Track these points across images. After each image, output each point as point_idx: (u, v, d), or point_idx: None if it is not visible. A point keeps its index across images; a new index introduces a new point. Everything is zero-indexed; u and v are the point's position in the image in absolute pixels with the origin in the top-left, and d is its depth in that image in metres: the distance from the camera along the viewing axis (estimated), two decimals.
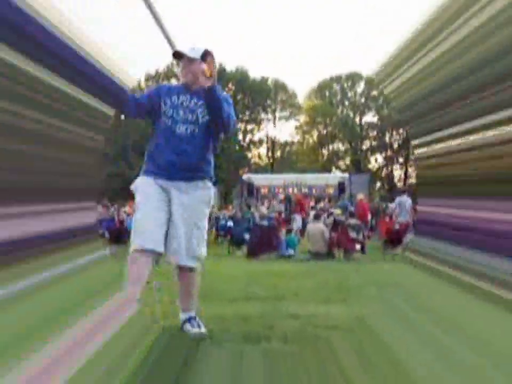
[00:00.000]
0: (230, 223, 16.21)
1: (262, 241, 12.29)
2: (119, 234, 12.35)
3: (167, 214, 3.36)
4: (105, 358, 2.63)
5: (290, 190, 27.22)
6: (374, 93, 49.61)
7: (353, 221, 12.52)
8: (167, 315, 4.07)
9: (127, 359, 2.68)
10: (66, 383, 2.20)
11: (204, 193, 3.49)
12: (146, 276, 3.23)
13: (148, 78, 47.65)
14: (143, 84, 47.26)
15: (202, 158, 3.47)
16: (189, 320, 3.55)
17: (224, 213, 19.38)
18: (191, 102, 3.45)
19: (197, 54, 3.44)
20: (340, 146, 53.48)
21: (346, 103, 52.99)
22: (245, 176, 31.23)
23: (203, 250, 3.54)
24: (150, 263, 3.23)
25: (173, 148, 3.41)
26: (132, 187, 3.47)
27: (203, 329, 3.50)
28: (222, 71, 48.32)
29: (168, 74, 48.11)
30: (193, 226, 3.43)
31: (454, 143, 3.14)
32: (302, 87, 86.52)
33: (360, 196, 17.86)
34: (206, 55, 3.42)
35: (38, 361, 2.30)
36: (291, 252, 12.37)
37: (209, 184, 3.53)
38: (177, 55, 3.49)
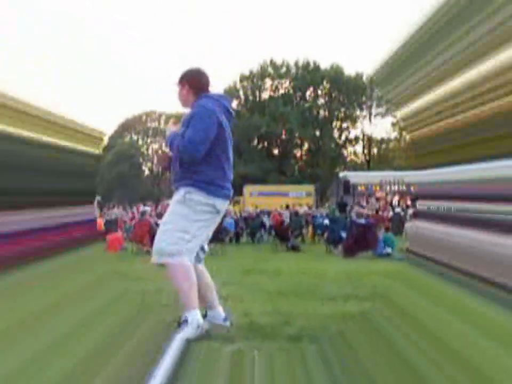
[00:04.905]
0: (327, 221, 16.14)
1: (358, 239, 12.15)
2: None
3: None
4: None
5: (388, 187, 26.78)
6: None
7: None
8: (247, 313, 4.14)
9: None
10: None
11: (180, 194, 3.52)
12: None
13: (242, 78, 48.33)
14: (238, 85, 48.00)
15: (183, 168, 3.57)
16: (179, 323, 3.39)
17: (321, 211, 19.34)
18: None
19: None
20: None
21: None
22: (341, 174, 30.99)
23: (158, 244, 3.46)
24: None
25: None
26: None
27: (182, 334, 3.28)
28: (316, 68, 48.16)
29: (263, 74, 48.55)
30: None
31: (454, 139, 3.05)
32: None
33: None
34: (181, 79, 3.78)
35: None
36: (389, 250, 12.12)
37: (188, 188, 3.49)
38: None
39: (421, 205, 3.96)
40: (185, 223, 3.45)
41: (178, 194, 3.52)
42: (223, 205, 3.61)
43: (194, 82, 3.73)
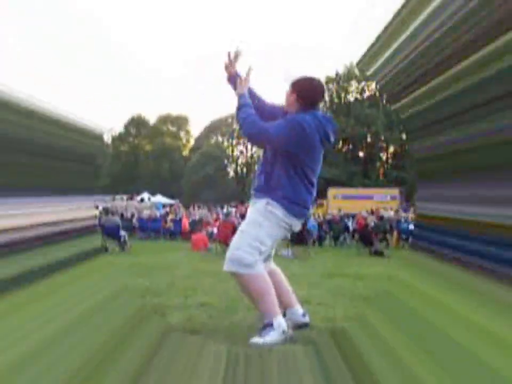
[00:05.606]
0: (411, 226, 15.76)
1: None
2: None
3: None
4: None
5: None
6: None
7: None
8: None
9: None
10: None
11: (261, 204, 3.44)
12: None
13: (328, 80, 48.02)
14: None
15: (267, 180, 3.50)
16: (262, 327, 3.30)
17: (407, 215, 18.91)
18: None
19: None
20: None
21: None
22: None
23: (235, 252, 3.34)
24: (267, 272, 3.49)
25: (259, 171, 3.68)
26: None
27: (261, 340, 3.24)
28: None
29: (349, 76, 48.09)
30: None
31: (452, 134, 2.87)
32: None
33: None
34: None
35: None
36: None
37: (269, 200, 3.42)
38: None
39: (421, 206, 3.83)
40: (263, 234, 3.39)
41: (260, 205, 3.47)
42: (298, 225, 3.57)
43: (303, 95, 3.53)
